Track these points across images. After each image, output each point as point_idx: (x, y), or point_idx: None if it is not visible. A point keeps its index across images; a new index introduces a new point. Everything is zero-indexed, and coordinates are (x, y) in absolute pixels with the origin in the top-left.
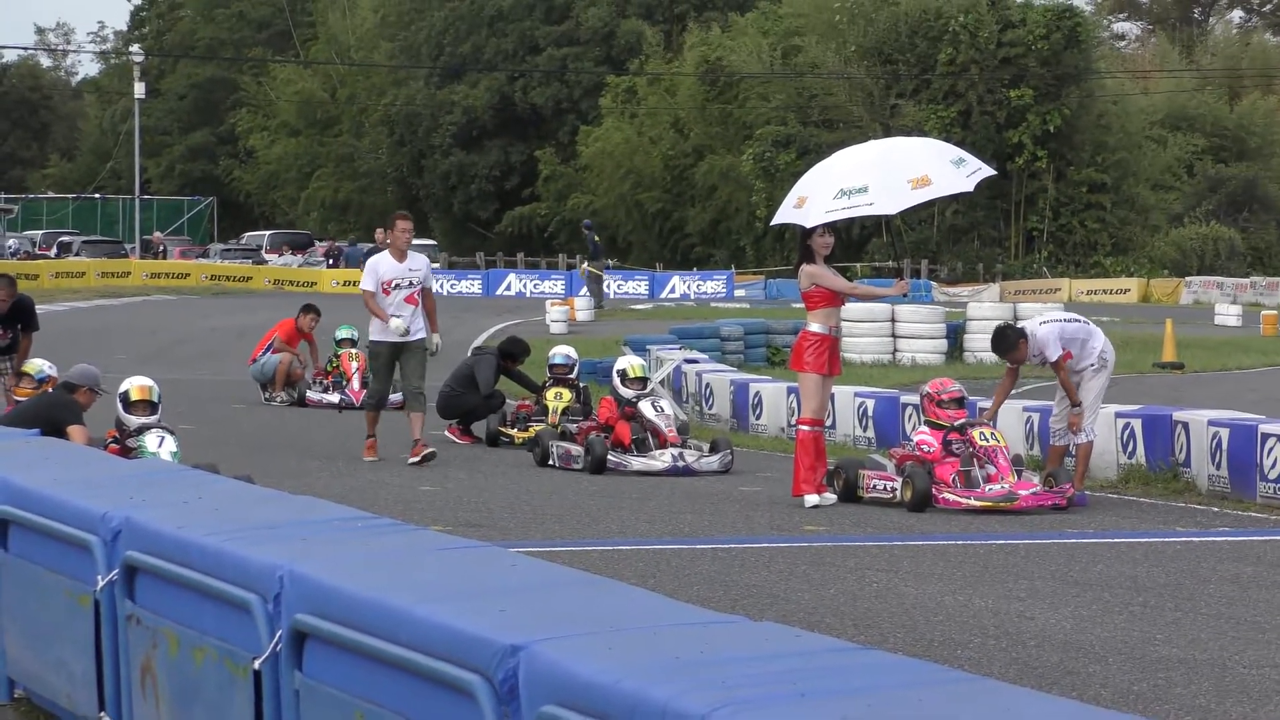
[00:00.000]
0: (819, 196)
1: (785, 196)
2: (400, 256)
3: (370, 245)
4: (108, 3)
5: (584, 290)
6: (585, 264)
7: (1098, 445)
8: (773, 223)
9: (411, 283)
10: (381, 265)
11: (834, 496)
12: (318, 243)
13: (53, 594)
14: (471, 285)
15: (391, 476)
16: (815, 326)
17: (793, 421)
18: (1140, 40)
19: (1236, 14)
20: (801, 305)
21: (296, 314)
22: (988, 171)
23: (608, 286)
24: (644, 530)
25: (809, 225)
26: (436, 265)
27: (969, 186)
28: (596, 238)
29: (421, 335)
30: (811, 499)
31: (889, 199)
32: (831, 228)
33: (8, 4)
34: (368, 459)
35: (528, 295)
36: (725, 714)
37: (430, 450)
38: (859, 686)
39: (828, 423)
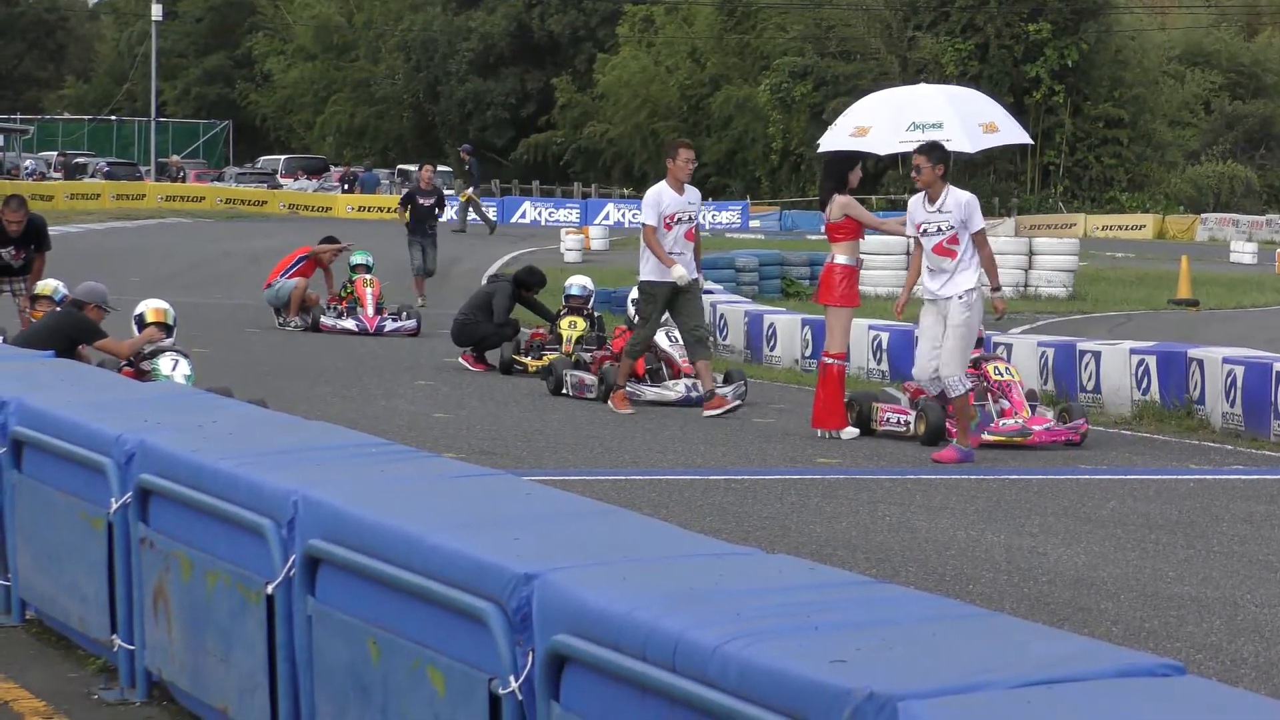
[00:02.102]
0: (887, 127)
1: (805, 128)
2: (679, 189)
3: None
4: None
5: (458, 222)
6: (469, 190)
7: (1113, 379)
8: (823, 148)
9: (690, 217)
10: (665, 198)
11: (854, 430)
12: (333, 168)
13: (66, 516)
14: (487, 212)
15: (405, 404)
16: (843, 259)
17: (806, 354)
18: None
19: None
20: (816, 237)
21: (319, 243)
22: (1025, 135)
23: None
24: (657, 460)
25: (881, 153)
26: (451, 192)
27: (1027, 138)
28: (477, 163)
29: (696, 275)
30: (851, 431)
31: (966, 138)
32: (868, 159)
33: None
34: (623, 411)
35: (542, 224)
36: (738, 645)
37: (735, 403)
38: (872, 620)
39: None
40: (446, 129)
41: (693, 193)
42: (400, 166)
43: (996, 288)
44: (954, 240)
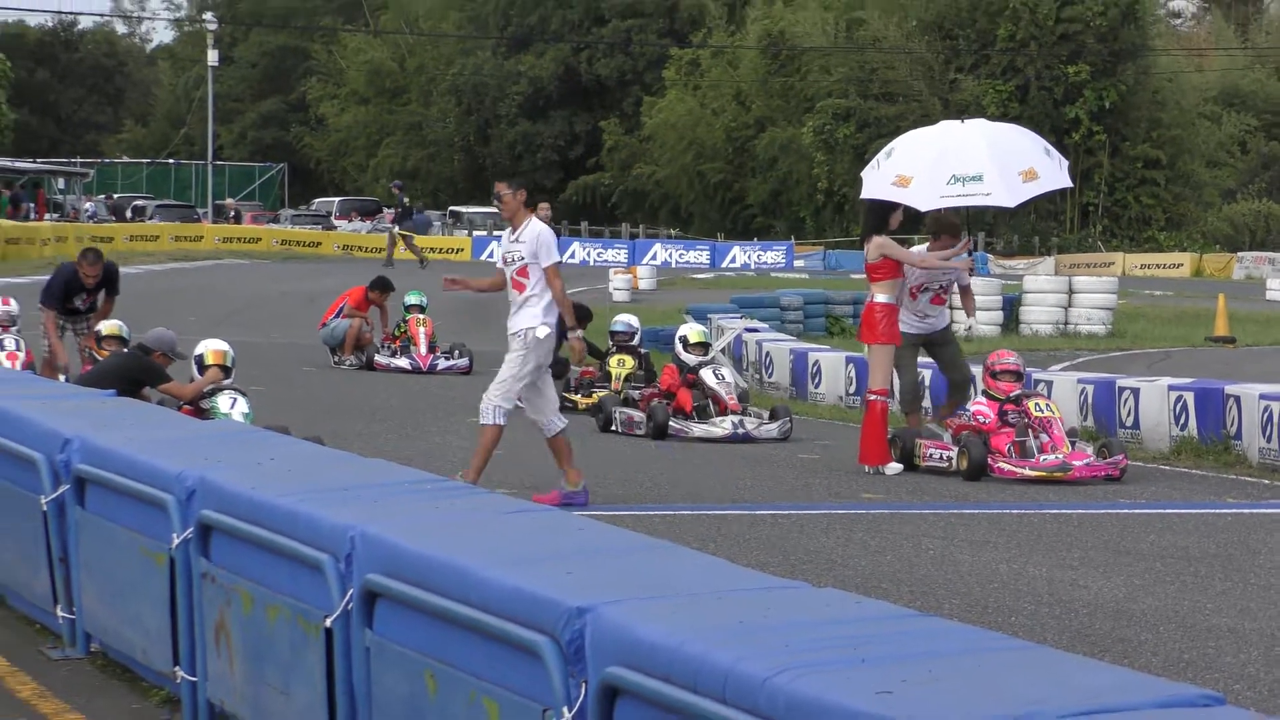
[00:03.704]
0: (929, 179)
1: (848, 168)
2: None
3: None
4: None
5: (388, 258)
6: (395, 227)
7: (1151, 415)
8: (864, 197)
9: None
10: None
11: (900, 465)
12: (385, 209)
13: (129, 551)
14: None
15: (458, 440)
16: (882, 297)
17: (850, 391)
18: (1196, 18)
19: None
20: (859, 276)
21: (368, 285)
22: (1066, 179)
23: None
24: (705, 495)
25: (924, 208)
26: (500, 233)
27: (1068, 181)
28: (406, 199)
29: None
30: (894, 467)
31: (1006, 192)
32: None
33: None
34: (890, 470)
35: (591, 263)
36: (787, 678)
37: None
38: (917, 652)
39: None
40: (496, 171)
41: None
42: (452, 208)
43: (571, 326)
44: (524, 273)
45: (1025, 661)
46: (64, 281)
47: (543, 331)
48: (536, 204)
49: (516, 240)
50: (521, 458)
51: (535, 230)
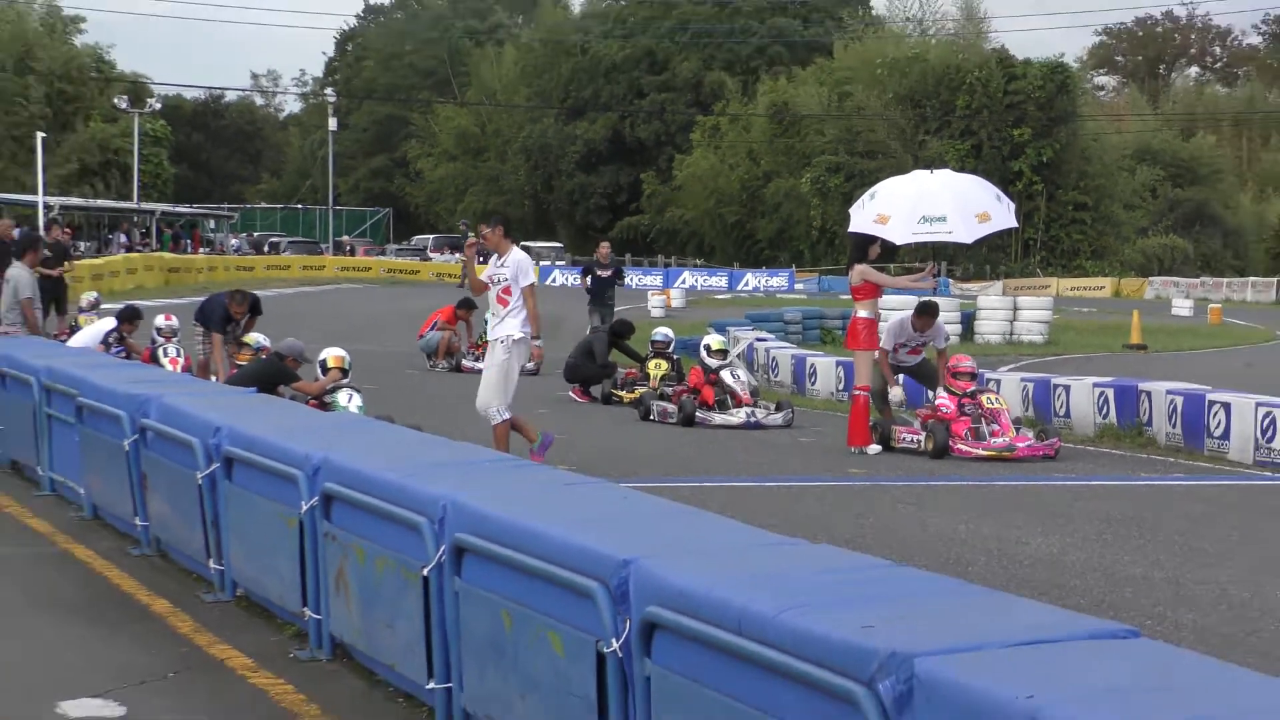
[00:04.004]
0: (902, 218)
1: (838, 211)
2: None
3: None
4: (308, 54)
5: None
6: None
7: (1080, 407)
8: (850, 230)
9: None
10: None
11: (878, 447)
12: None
13: (267, 516)
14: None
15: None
16: (864, 312)
17: (839, 387)
18: (1116, 90)
19: (1193, 70)
20: (846, 296)
21: (456, 304)
22: (1012, 220)
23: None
24: (723, 470)
25: (899, 242)
26: (562, 263)
27: (1014, 222)
28: (471, 234)
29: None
30: (875, 448)
31: (965, 230)
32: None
33: (231, 56)
34: (872, 450)
35: (633, 287)
36: (790, 615)
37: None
38: (893, 595)
39: None
40: (558, 214)
41: (509, 259)
42: (523, 243)
43: (535, 336)
44: (507, 291)
45: (980, 603)
46: (221, 314)
47: (518, 334)
48: (597, 243)
49: (502, 265)
50: (578, 445)
51: (516, 258)
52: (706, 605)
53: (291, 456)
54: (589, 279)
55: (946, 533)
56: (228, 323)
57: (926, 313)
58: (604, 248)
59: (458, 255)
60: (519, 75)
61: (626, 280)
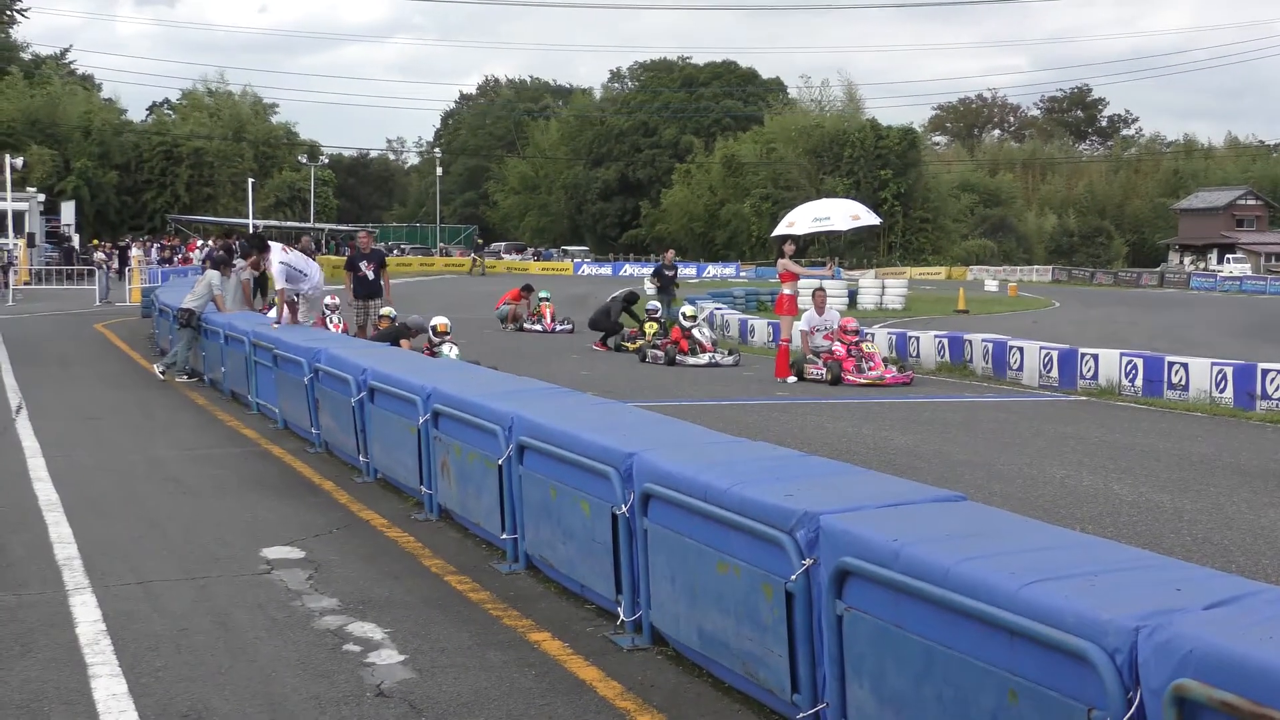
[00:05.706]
0: (803, 221)
1: (774, 225)
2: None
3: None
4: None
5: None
6: (473, 254)
7: (927, 351)
8: (774, 234)
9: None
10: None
11: (795, 378)
12: (529, 248)
13: (397, 426)
14: (606, 270)
15: (568, 368)
16: (787, 290)
17: (769, 339)
18: (946, 145)
19: (996, 131)
20: (776, 280)
21: (520, 287)
22: (876, 219)
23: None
24: (693, 394)
25: (800, 233)
26: (588, 260)
27: (876, 220)
28: (479, 240)
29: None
30: (792, 379)
31: (842, 223)
32: (797, 238)
33: (373, 124)
34: (790, 381)
35: (635, 275)
36: (739, 488)
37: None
38: (803, 474)
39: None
40: (585, 229)
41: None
42: (564, 247)
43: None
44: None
45: (860, 479)
46: (353, 252)
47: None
48: (667, 249)
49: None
50: (597, 378)
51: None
52: (683, 482)
53: (411, 386)
54: (658, 277)
55: (841, 434)
56: (358, 262)
57: (821, 290)
58: (669, 254)
59: (518, 256)
60: (560, 138)
61: (632, 271)
